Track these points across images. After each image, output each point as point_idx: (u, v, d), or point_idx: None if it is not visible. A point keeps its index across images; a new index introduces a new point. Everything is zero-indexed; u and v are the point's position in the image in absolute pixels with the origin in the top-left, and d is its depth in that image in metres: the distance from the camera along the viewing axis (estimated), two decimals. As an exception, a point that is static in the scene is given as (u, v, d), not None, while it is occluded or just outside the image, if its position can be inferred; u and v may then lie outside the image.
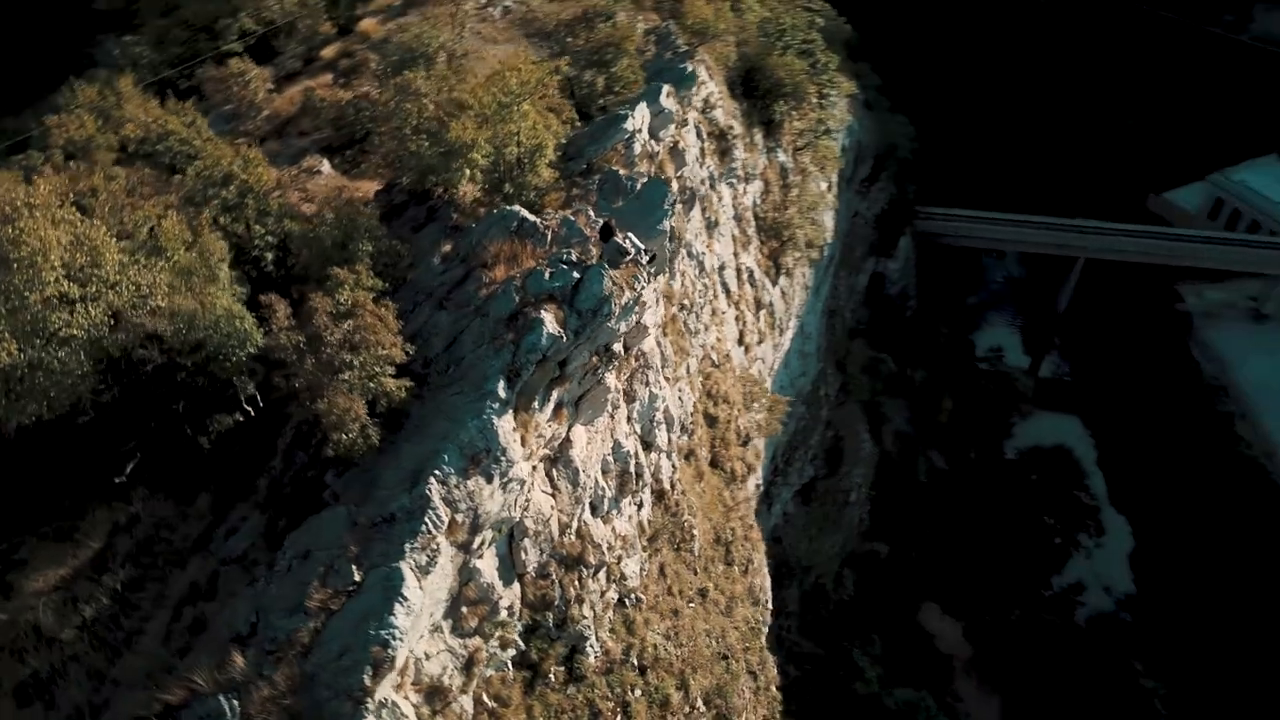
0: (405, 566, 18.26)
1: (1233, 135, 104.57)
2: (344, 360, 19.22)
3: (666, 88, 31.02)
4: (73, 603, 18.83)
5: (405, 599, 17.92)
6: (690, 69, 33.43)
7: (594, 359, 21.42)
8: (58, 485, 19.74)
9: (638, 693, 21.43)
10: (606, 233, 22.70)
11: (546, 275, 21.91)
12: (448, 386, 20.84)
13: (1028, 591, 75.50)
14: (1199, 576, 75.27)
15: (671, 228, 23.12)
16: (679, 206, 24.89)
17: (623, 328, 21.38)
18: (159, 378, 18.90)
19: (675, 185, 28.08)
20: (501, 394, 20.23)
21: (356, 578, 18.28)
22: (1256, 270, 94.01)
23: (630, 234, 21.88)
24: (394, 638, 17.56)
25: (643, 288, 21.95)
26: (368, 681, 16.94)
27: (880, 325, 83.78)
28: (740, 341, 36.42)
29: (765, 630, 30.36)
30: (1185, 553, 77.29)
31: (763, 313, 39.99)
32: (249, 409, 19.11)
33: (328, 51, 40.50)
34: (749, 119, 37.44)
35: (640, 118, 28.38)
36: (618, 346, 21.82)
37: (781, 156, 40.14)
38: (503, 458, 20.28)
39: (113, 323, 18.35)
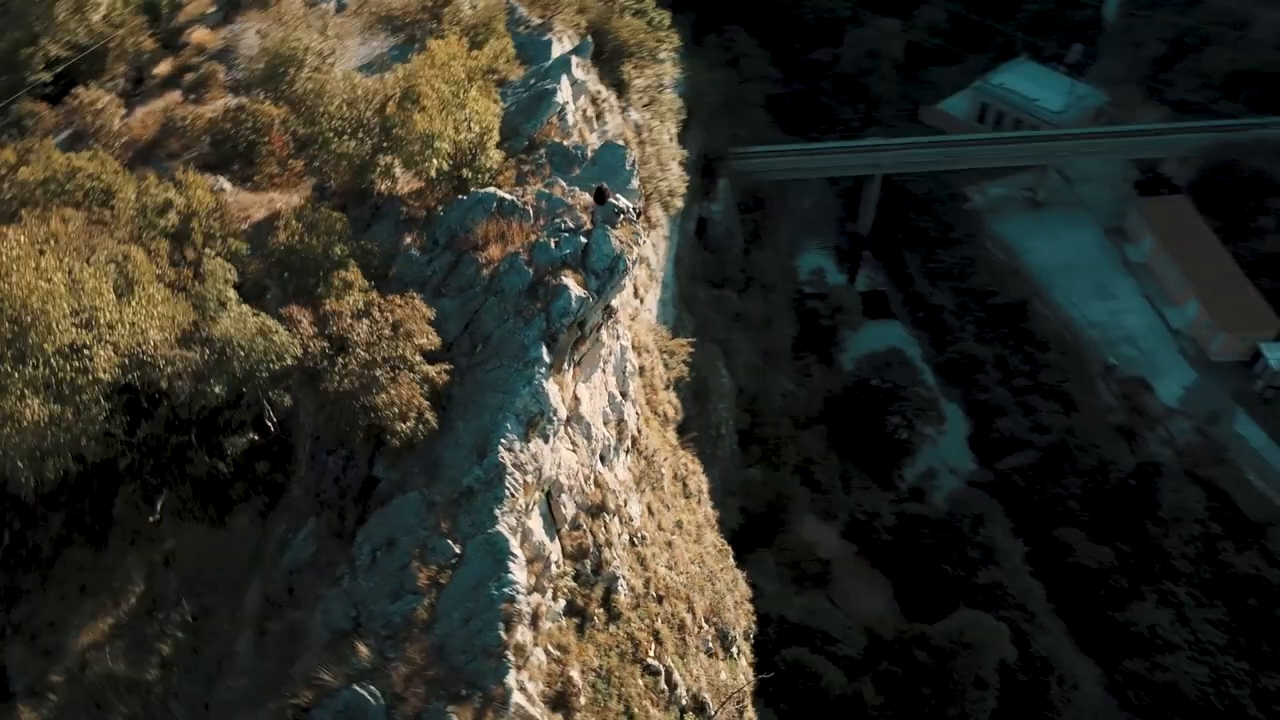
0: (503, 529, 19.52)
1: (988, 42, 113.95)
2: (388, 354, 19.82)
3: (576, 59, 32.21)
4: (143, 644, 18.57)
5: (515, 556, 19.24)
6: (549, 39, 34.77)
7: (601, 316, 22.81)
8: (81, 537, 19.22)
9: (660, 621, 23.33)
10: (601, 196, 24.00)
11: (552, 245, 23.11)
12: (483, 364, 21.82)
13: (889, 484, 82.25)
14: (1027, 445, 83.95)
15: (639, 185, 24.69)
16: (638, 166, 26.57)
17: (627, 282, 22.89)
18: (177, 412, 18.73)
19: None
20: (546, 359, 21.56)
21: (456, 550, 19.40)
22: (1026, 163, 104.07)
23: (618, 194, 23.35)
24: (517, 592, 19.02)
25: (644, 242, 23.50)
26: (504, 636, 18.03)
27: (714, 265, 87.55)
28: (635, 295, 38.26)
29: (731, 552, 33.04)
30: (1012, 425, 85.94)
31: (642, 266, 41.96)
32: (270, 424, 19.22)
33: (162, 69, 38.78)
34: (602, 82, 38.96)
35: (566, 90, 29.54)
36: (616, 302, 23.27)
37: (634, 115, 41.98)
38: (555, 418, 21.62)
39: (125, 363, 18.03)
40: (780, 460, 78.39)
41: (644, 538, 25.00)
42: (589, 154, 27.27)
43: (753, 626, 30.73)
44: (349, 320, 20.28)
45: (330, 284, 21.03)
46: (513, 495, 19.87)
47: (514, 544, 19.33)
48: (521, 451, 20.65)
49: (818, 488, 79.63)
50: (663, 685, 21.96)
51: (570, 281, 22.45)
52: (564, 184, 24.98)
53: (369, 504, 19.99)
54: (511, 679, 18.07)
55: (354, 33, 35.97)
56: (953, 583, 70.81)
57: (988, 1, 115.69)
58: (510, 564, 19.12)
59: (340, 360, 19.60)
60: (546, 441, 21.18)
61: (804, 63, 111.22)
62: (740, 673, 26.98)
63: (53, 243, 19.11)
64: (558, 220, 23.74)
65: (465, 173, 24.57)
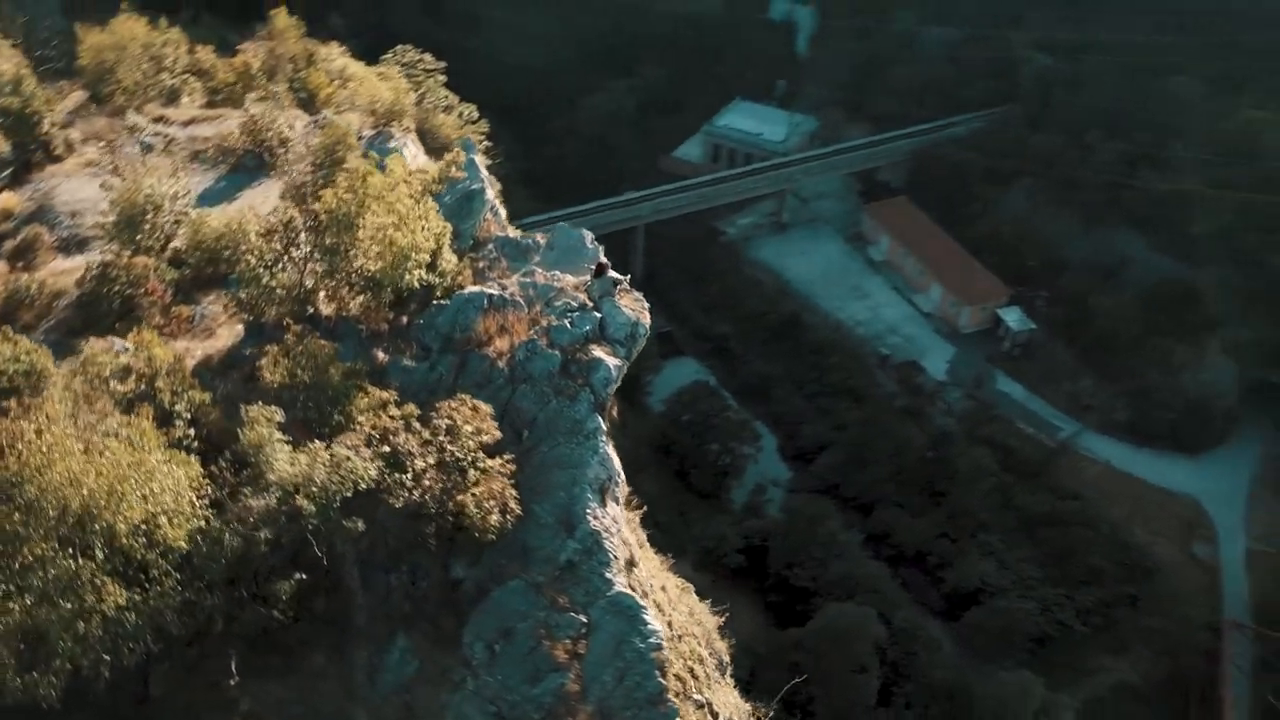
0: (621, 587, 20.17)
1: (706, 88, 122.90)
2: (458, 455, 20.06)
3: (479, 157, 32.98)
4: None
5: (645, 608, 19.93)
6: (394, 145, 35.47)
7: (615, 377, 24.04)
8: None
9: (690, 658, 24.48)
10: (600, 270, 25.52)
11: (568, 325, 24.09)
12: (537, 446, 22.52)
13: (725, 508, 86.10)
14: (832, 443, 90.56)
15: (602, 262, 25.88)
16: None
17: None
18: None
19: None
20: (604, 427, 22.50)
21: (583, 619, 19.89)
22: (765, 191, 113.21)
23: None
24: (660, 639, 19.89)
25: (647, 305, 25.08)
26: (662, 680, 18.59)
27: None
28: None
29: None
30: (815, 429, 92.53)
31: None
32: (320, 557, 18.55)
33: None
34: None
35: (490, 187, 30.30)
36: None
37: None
38: (620, 480, 22.28)
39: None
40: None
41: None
42: (539, 242, 28.46)
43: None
44: (404, 434, 20.39)
45: (352, 408, 20.89)
46: (615, 557, 20.72)
47: (638, 597, 20.16)
48: (604, 516, 21.70)
49: (660, 527, 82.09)
50: (708, 717, 23.22)
51: (601, 354, 23.80)
52: (543, 271, 26.13)
53: (460, 605, 20.08)
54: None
55: (170, 172, 34.90)
56: (810, 582, 75.26)
57: (696, 52, 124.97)
58: (645, 615, 20.27)
59: (401, 475, 19.71)
60: (618, 504, 22.20)
61: (546, 132, 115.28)
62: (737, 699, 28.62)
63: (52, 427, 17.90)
64: (557, 303, 24.78)
65: (432, 279, 25.03)
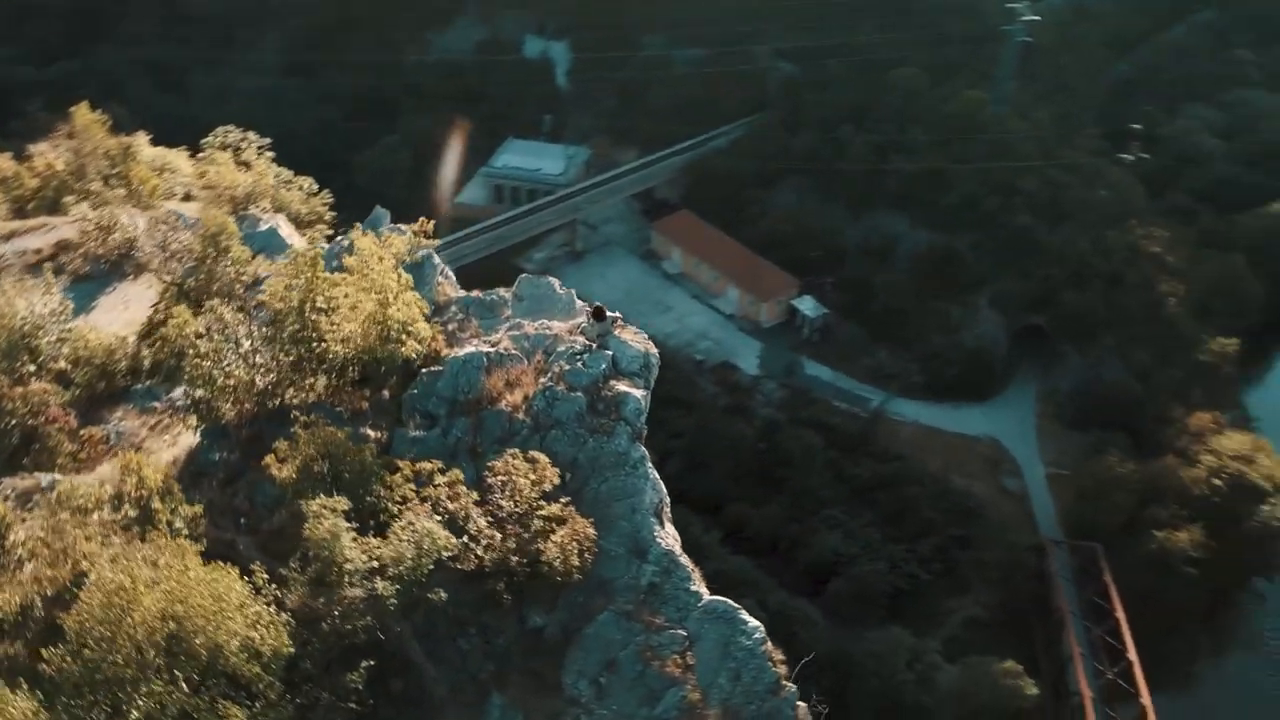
0: (709, 597, 21.73)
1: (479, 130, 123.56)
2: (525, 508, 20.65)
3: (386, 216, 32.56)
4: None
5: (738, 608, 21.77)
6: (266, 226, 34.61)
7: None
8: None
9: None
10: (599, 314, 26.05)
11: (581, 366, 24.82)
12: (585, 485, 23.11)
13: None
14: (672, 453, 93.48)
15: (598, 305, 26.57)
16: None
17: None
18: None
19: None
20: (647, 455, 23.61)
21: (683, 633, 20.97)
22: (556, 224, 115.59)
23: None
24: (763, 632, 21.69)
25: (647, 335, 26.51)
26: (776, 670, 19.69)
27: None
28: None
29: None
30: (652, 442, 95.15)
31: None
32: (384, 636, 18.13)
33: None
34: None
35: (434, 254, 29.91)
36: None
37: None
38: (667, 503, 23.15)
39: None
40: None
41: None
42: (505, 296, 29.03)
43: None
44: (462, 499, 20.46)
45: (381, 488, 20.70)
46: (692, 570, 21.81)
47: (730, 601, 21.52)
48: (667, 535, 22.99)
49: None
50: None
51: (625, 387, 24.85)
52: (529, 322, 26.90)
53: (550, 649, 20.45)
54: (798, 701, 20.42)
55: (44, 289, 32.57)
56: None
57: (460, 97, 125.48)
58: (742, 615, 21.84)
59: (470, 539, 19.94)
60: (671, 523, 23.21)
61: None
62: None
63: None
64: (559, 349, 25.52)
65: (411, 349, 24.91)
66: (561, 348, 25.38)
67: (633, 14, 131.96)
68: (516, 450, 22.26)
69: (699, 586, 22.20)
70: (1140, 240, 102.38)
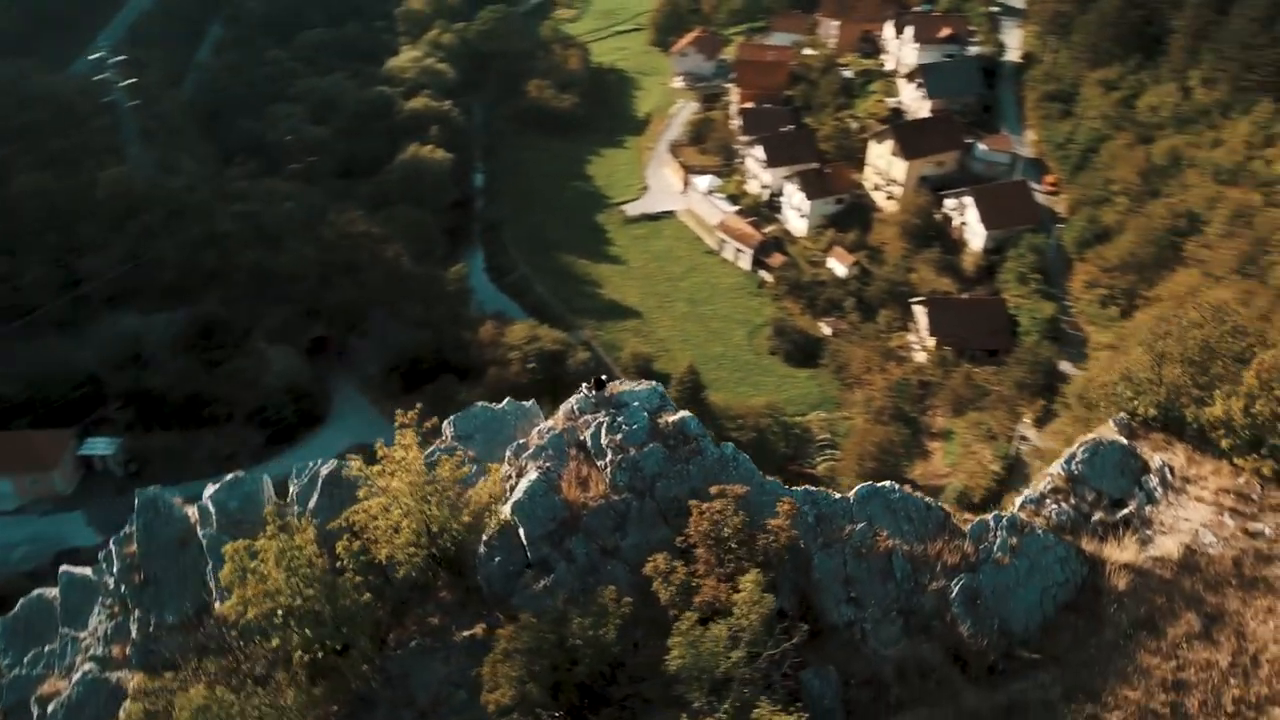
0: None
1: None
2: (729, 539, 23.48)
3: None
4: None
5: None
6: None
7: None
8: None
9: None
10: (600, 385, 27.70)
11: (624, 428, 26.32)
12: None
13: None
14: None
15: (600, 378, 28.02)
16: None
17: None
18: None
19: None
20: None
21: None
22: None
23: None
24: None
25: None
26: None
27: None
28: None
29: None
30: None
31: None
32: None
33: None
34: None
35: None
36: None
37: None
38: None
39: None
40: None
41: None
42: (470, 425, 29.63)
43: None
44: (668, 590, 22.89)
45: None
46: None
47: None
48: None
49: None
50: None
51: (670, 417, 27.02)
52: (523, 437, 27.95)
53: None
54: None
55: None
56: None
57: None
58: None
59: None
60: None
61: None
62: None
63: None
64: (581, 437, 26.79)
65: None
66: (580, 436, 26.39)
67: None
68: (696, 503, 23.57)
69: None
70: (346, 224, 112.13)
